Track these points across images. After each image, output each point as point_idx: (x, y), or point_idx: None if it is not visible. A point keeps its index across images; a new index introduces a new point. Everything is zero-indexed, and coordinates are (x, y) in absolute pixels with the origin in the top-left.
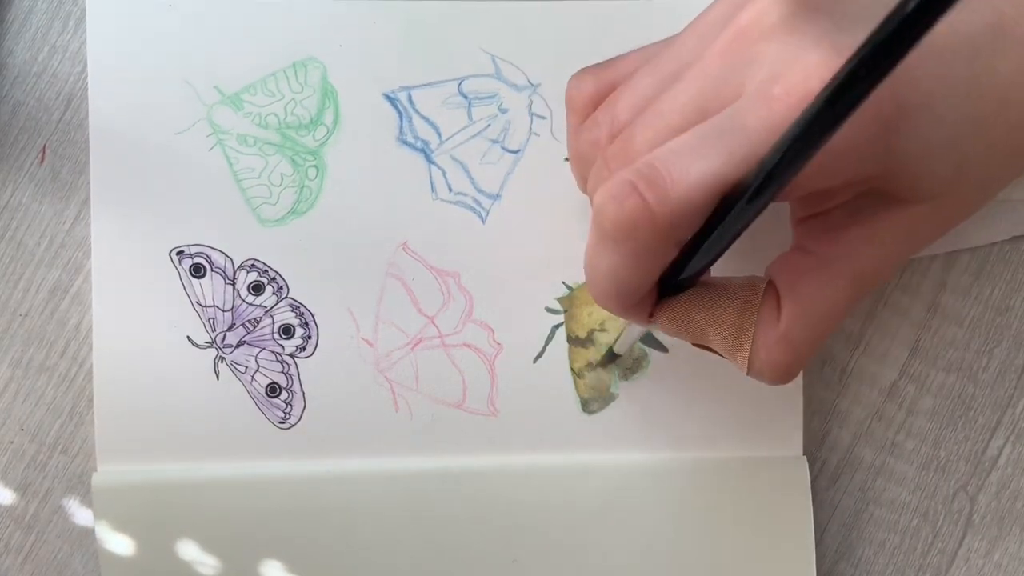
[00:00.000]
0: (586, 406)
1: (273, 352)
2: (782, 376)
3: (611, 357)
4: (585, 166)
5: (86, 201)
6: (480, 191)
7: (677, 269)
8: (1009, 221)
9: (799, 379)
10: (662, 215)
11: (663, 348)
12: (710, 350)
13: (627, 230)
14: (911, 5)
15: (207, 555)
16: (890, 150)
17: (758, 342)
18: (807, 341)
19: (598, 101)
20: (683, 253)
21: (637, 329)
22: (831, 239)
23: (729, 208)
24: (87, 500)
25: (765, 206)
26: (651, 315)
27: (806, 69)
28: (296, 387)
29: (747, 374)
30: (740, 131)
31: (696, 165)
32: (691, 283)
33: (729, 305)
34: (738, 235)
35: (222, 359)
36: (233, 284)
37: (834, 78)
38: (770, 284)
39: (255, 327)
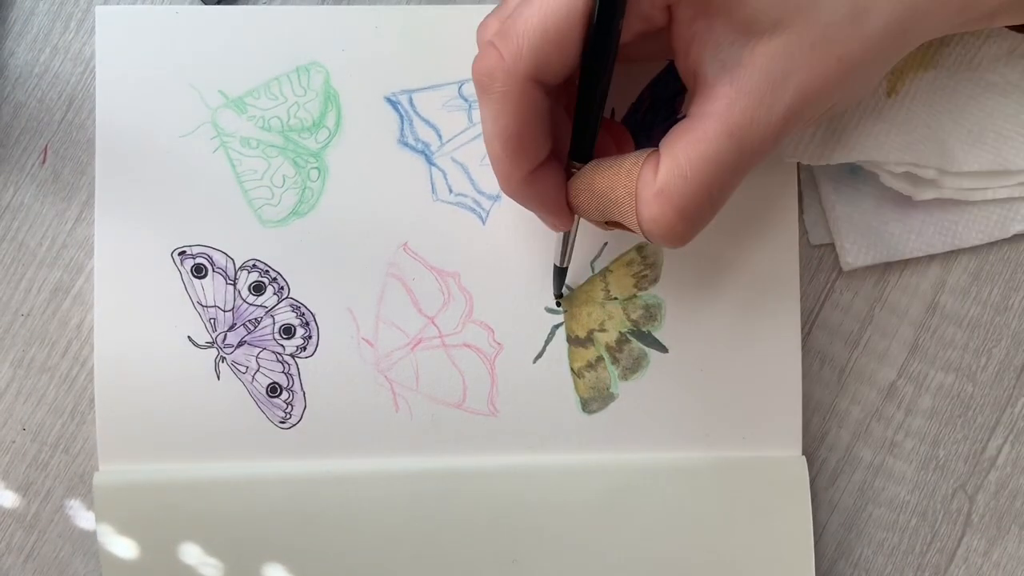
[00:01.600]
0: (586, 406)
1: (274, 352)
2: (666, 233)
3: (559, 274)
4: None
5: (88, 201)
6: (480, 192)
7: (577, 133)
8: (1004, 219)
9: (798, 379)
10: (510, 56)
11: (663, 348)
12: (621, 227)
13: (487, 79)
14: None
15: (208, 554)
16: None
17: (641, 202)
18: (685, 194)
19: None
20: (576, 113)
21: (570, 234)
22: (704, 96)
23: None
24: (88, 499)
25: (616, 28)
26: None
27: None
28: (297, 387)
29: (645, 238)
30: None
31: (532, 8)
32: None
33: (620, 168)
34: (608, 67)
35: (223, 359)
36: (234, 284)
37: None
38: (655, 152)
39: (256, 327)
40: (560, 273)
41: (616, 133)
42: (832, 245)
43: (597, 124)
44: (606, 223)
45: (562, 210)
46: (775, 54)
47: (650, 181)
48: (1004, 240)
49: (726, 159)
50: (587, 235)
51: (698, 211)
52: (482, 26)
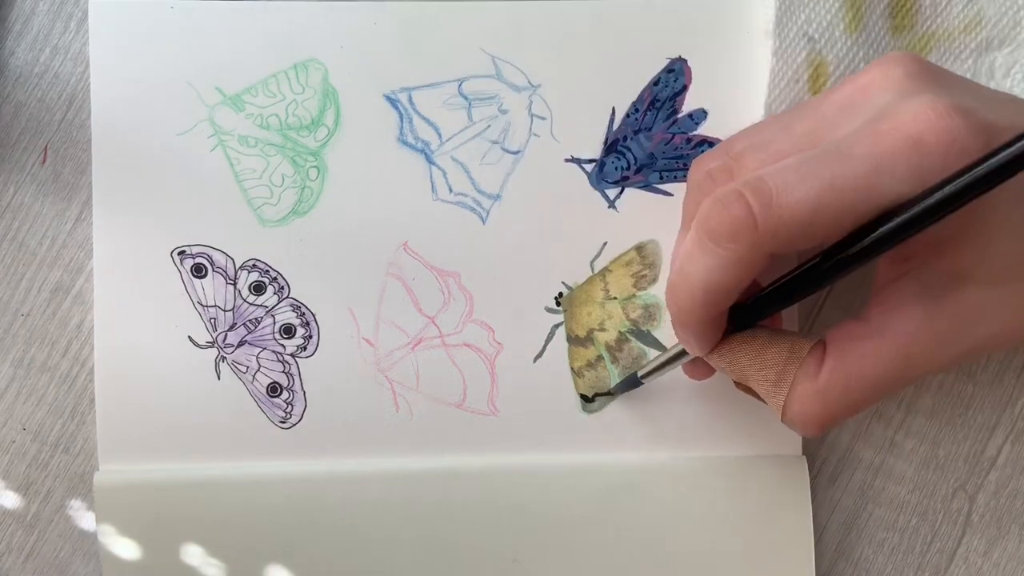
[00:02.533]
0: (586, 406)
1: (274, 352)
2: (811, 429)
3: (629, 382)
4: (697, 195)
5: (88, 201)
6: (480, 191)
7: (758, 303)
8: None
9: None
10: (764, 222)
11: (663, 348)
12: (752, 393)
13: (730, 233)
14: None
15: (208, 554)
16: (977, 214)
17: (795, 391)
18: (842, 402)
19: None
20: (775, 284)
21: (678, 359)
22: (891, 310)
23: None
24: (89, 499)
25: (870, 258)
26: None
27: (916, 110)
28: (297, 387)
29: (782, 420)
30: (845, 158)
31: (800, 183)
32: (750, 325)
33: (776, 352)
34: (826, 283)
35: (223, 359)
36: (234, 284)
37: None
38: (820, 343)
39: (256, 327)
40: (631, 384)
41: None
42: None
43: (784, 306)
44: (738, 383)
45: (712, 339)
46: (980, 304)
47: (812, 376)
48: None
49: (890, 384)
50: (586, 234)
51: (844, 417)
52: (701, 160)
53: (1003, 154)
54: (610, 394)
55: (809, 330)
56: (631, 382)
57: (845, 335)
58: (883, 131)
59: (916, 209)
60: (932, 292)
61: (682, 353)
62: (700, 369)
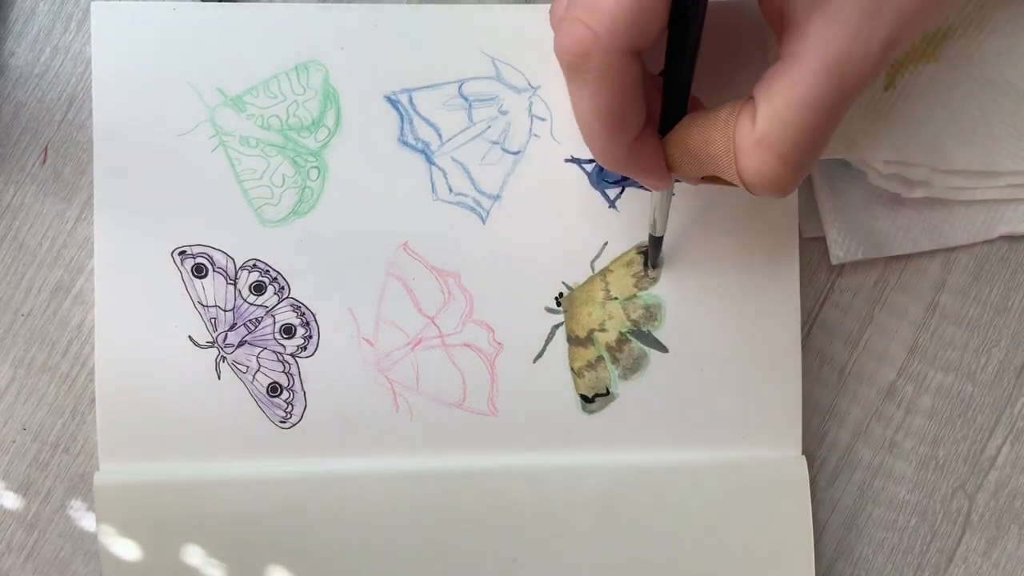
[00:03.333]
0: (586, 406)
1: (274, 352)
2: (770, 182)
3: (655, 243)
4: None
5: (88, 201)
6: (480, 192)
7: (667, 96)
8: (990, 220)
9: (798, 379)
10: (604, 32)
11: (663, 348)
12: (719, 181)
13: (581, 57)
14: None
15: (208, 553)
16: None
17: (740, 152)
18: (787, 140)
19: None
20: (664, 75)
21: (663, 195)
22: (794, 36)
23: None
24: (89, 499)
25: None
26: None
27: None
28: (297, 387)
29: (746, 189)
30: None
31: None
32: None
33: (715, 121)
34: (698, 31)
35: (223, 359)
36: (235, 284)
37: None
38: (750, 99)
39: (256, 327)
40: (656, 243)
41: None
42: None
43: (690, 79)
44: (702, 179)
45: (662, 172)
46: None
47: (748, 131)
48: (1004, 240)
49: (826, 98)
50: (587, 234)
51: (802, 156)
52: (554, 6)
53: None
54: (608, 393)
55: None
56: (655, 243)
57: (767, 81)
58: None
59: None
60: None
61: (663, 194)
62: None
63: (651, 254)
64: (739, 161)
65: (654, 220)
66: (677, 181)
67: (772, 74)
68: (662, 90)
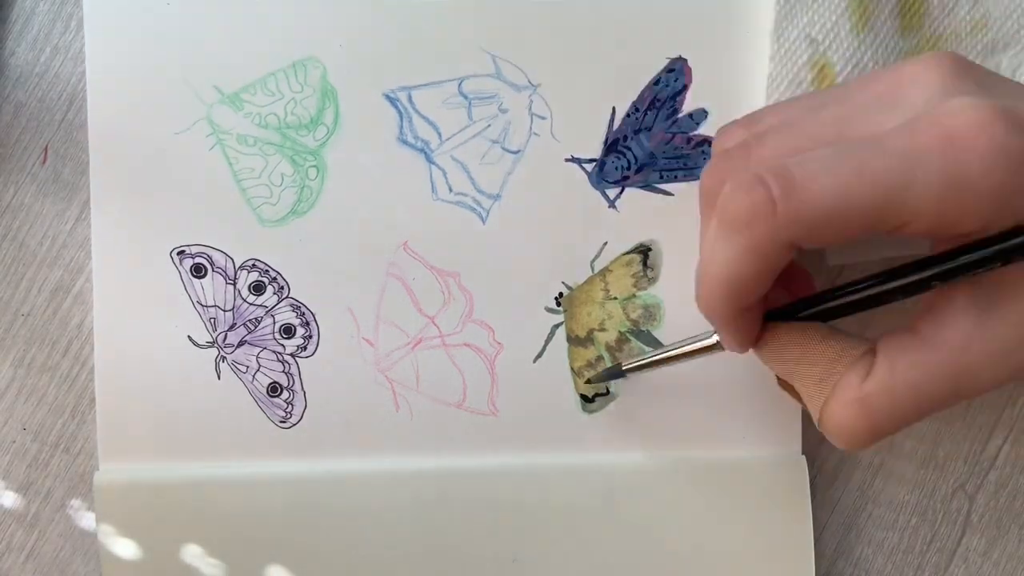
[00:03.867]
0: (586, 406)
1: (274, 352)
2: (847, 438)
3: (613, 374)
4: (713, 172)
5: (88, 201)
6: (480, 191)
7: (799, 304)
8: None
9: None
10: (784, 208)
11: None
12: (793, 393)
13: (747, 219)
14: None
15: (208, 554)
16: None
17: (837, 395)
18: (884, 413)
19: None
20: (822, 294)
21: (699, 350)
22: (941, 321)
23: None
24: (89, 499)
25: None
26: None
27: (956, 108)
28: (297, 387)
29: (818, 426)
30: (877, 150)
31: (826, 171)
32: (801, 318)
33: (824, 350)
34: (879, 303)
35: (223, 359)
36: (234, 284)
37: None
38: (871, 351)
39: (256, 327)
40: (615, 375)
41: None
42: None
43: (840, 315)
44: (780, 382)
45: (746, 344)
46: None
47: (854, 383)
48: None
49: (939, 399)
50: (587, 234)
51: (886, 431)
52: (724, 132)
53: None
54: (607, 393)
55: None
56: (614, 372)
57: (897, 346)
58: (920, 127)
59: (997, 247)
60: (985, 300)
61: (711, 347)
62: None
63: (603, 375)
64: (830, 404)
65: (643, 364)
66: None
67: (903, 345)
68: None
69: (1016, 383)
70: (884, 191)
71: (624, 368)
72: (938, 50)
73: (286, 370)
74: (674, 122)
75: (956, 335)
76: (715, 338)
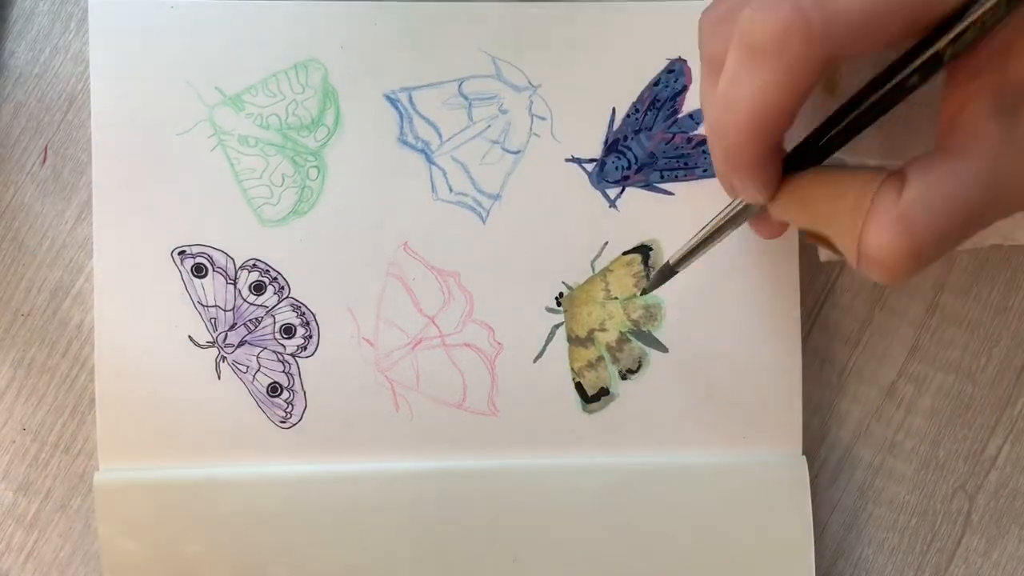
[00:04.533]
0: (586, 406)
1: (274, 352)
2: (892, 264)
3: (666, 275)
4: (716, 26)
5: (88, 201)
6: (480, 191)
7: (821, 130)
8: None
9: (798, 379)
10: (819, 22)
11: (663, 348)
12: (823, 242)
13: (781, 38)
14: None
15: (208, 554)
16: None
17: (873, 219)
18: (929, 229)
19: None
20: (835, 114)
21: (732, 219)
22: (967, 133)
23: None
24: (89, 499)
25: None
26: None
27: None
28: (297, 387)
29: (856, 264)
30: None
31: None
32: (820, 161)
33: (852, 179)
34: (893, 103)
35: (223, 359)
36: (234, 284)
37: None
38: (900, 173)
39: (256, 327)
40: (668, 275)
41: None
42: None
43: (866, 126)
44: (809, 234)
45: (772, 190)
46: None
47: (891, 201)
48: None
49: (980, 206)
50: (587, 234)
51: (932, 249)
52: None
53: None
54: (608, 392)
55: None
56: (665, 273)
57: (927, 162)
58: None
59: (982, 7)
60: (1008, 105)
61: (742, 211)
62: (768, 225)
63: (655, 280)
64: (868, 229)
65: (687, 252)
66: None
67: (933, 160)
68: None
69: None
70: None
71: (673, 265)
72: None
73: (286, 370)
74: (674, 122)
75: (985, 140)
76: (742, 202)
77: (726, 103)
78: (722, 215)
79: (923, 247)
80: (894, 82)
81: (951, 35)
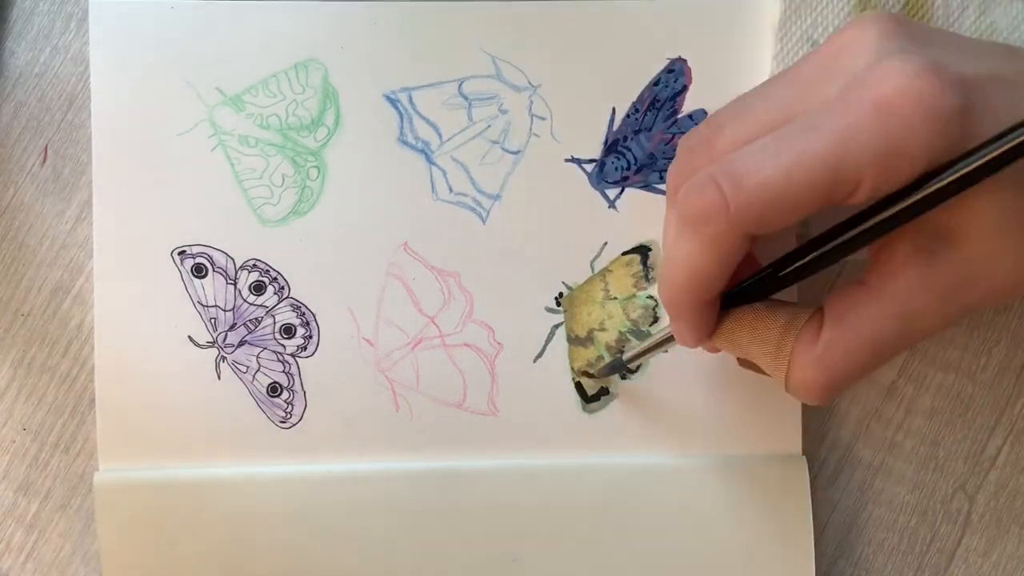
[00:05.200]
0: (586, 406)
1: (274, 352)
2: (815, 396)
3: (616, 366)
4: (677, 171)
5: (88, 201)
6: (480, 191)
7: (747, 286)
8: None
9: None
10: (735, 205)
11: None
12: (755, 368)
13: (703, 216)
14: None
15: (208, 554)
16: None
17: (795, 361)
18: (842, 366)
19: None
20: (760, 272)
21: (660, 343)
22: (886, 271)
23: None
24: (89, 499)
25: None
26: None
27: (883, 73)
28: (297, 387)
29: (786, 390)
30: (813, 132)
31: (769, 163)
32: (747, 302)
33: (773, 323)
34: (815, 270)
35: (223, 359)
36: (235, 284)
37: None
38: (818, 311)
39: (256, 327)
40: (619, 368)
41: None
42: None
43: (805, 277)
44: (740, 360)
45: (703, 336)
46: (975, 259)
47: (809, 347)
48: None
49: (890, 345)
50: (587, 234)
51: (850, 382)
52: (690, 132)
53: (1002, 145)
54: (608, 392)
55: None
56: (616, 366)
57: (842, 300)
58: (851, 99)
59: (898, 207)
60: (927, 250)
61: (671, 339)
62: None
63: (606, 370)
64: (793, 370)
65: (636, 354)
66: None
67: (848, 298)
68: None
69: (960, 324)
70: (822, 171)
71: (626, 361)
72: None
73: (286, 370)
74: (674, 122)
75: (902, 282)
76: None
77: (667, 260)
78: (655, 338)
79: (839, 381)
80: (826, 249)
81: (881, 218)
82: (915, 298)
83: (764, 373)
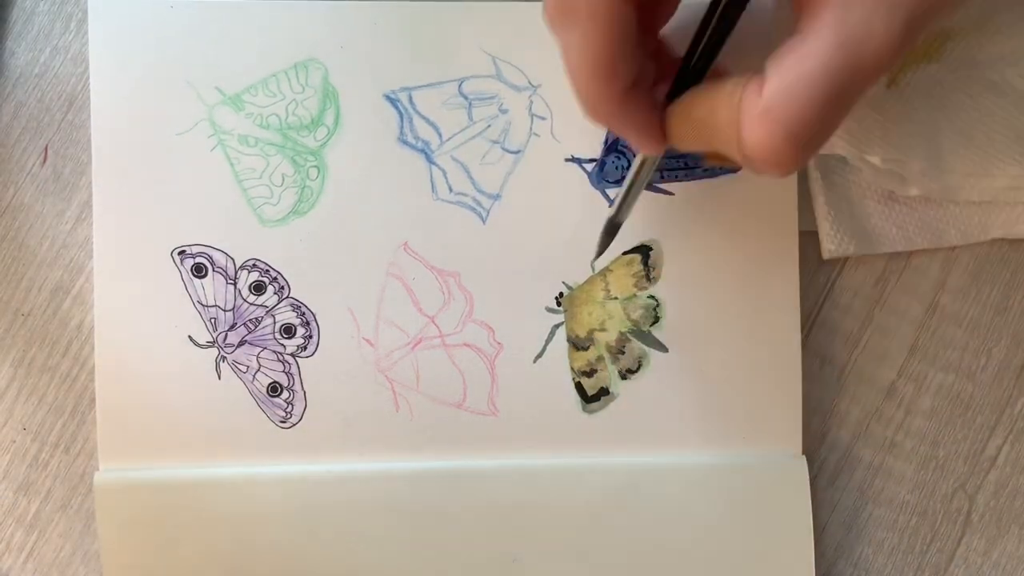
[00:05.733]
0: (586, 406)
1: (274, 352)
2: (772, 157)
3: (611, 231)
4: None
5: (88, 201)
6: (480, 191)
7: (683, 71)
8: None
9: (798, 379)
10: None
11: (663, 348)
12: (721, 159)
13: (567, 2)
14: None
15: (208, 554)
16: None
17: (743, 122)
18: (793, 114)
19: None
20: (688, 54)
21: (640, 176)
22: (813, 8)
23: None
24: (89, 499)
25: None
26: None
27: None
28: (297, 386)
29: (744, 163)
30: None
31: None
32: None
33: (720, 90)
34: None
35: (223, 358)
36: (234, 284)
37: None
38: (761, 69)
39: (256, 327)
40: (612, 231)
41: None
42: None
43: (714, 56)
44: (707, 155)
45: (655, 133)
46: None
47: (755, 101)
48: (1004, 240)
49: (838, 76)
50: (587, 234)
51: (807, 132)
52: None
53: None
54: (608, 392)
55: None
56: (609, 230)
57: (780, 52)
58: None
59: None
60: None
61: (644, 161)
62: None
63: (602, 241)
64: (743, 133)
65: (621, 202)
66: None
67: (785, 47)
68: (679, 59)
69: (918, 38)
70: None
71: (614, 219)
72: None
73: (286, 370)
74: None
75: (829, 11)
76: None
77: (567, 69)
78: (632, 168)
79: (797, 131)
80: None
81: None
82: (847, 19)
83: (734, 162)
